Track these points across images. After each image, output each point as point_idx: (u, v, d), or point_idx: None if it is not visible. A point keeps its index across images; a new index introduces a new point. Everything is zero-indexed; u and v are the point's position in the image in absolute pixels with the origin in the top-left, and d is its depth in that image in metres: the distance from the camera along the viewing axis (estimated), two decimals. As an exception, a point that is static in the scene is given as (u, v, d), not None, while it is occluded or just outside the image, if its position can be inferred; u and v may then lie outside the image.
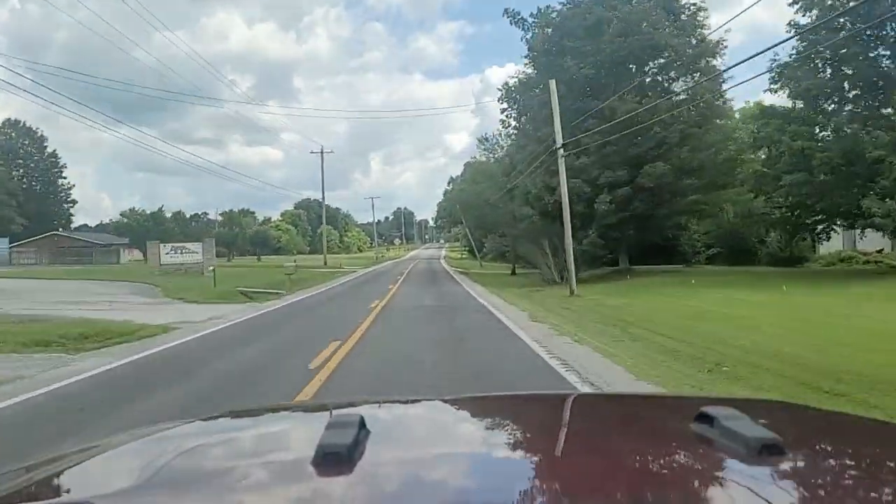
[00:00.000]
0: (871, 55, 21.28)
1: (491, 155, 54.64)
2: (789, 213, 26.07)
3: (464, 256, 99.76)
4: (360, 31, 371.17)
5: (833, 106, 22.99)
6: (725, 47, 27.94)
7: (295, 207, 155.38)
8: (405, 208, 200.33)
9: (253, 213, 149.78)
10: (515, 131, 36.55)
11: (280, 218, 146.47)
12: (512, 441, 1.18)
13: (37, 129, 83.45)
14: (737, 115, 35.98)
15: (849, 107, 22.46)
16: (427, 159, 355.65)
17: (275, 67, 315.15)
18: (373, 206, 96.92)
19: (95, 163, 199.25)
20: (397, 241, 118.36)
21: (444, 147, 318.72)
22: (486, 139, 53.67)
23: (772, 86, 23.23)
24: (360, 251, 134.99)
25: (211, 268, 28.79)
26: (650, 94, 25.30)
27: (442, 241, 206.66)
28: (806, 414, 1.40)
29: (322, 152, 55.84)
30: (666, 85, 29.10)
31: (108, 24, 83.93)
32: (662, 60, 28.61)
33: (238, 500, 0.81)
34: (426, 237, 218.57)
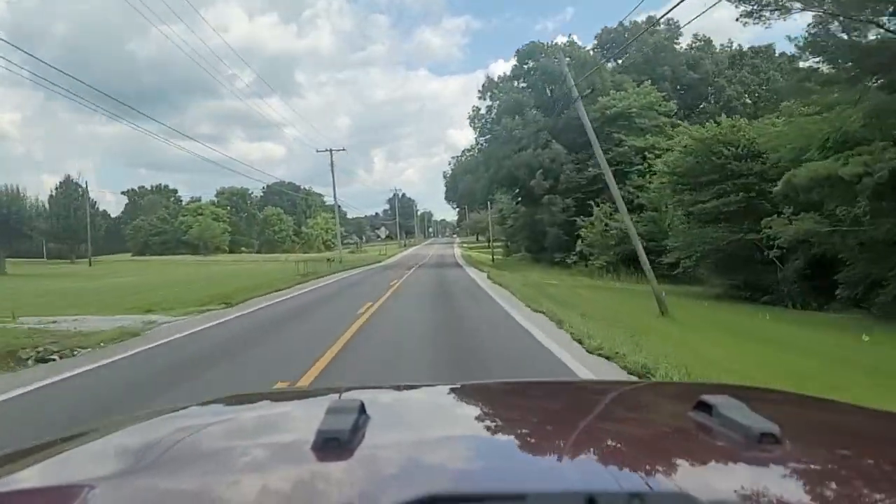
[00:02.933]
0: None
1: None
2: None
3: (498, 256, 54.84)
4: (364, 23, 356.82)
5: None
6: None
7: (263, 193, 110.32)
8: (403, 194, 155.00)
9: (175, 191, 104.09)
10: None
11: (215, 200, 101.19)
12: (511, 427, 1.16)
13: None
14: None
15: None
16: (430, 155, 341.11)
17: (276, 61, 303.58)
18: (332, 165, 52.02)
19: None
20: (383, 231, 71.88)
21: (447, 143, 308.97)
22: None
23: None
24: (328, 247, 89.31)
25: None
26: None
27: (451, 234, 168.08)
28: (804, 402, 1.40)
29: None
30: None
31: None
32: None
33: (238, 484, 0.81)
34: (429, 230, 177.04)
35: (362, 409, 0.93)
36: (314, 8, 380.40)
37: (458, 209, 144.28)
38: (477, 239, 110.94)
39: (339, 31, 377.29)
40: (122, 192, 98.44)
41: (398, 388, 1.52)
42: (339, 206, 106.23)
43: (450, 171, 43.46)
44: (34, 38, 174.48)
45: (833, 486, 0.79)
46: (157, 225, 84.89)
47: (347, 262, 47.84)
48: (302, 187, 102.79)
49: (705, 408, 0.94)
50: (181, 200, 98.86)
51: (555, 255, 34.43)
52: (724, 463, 0.84)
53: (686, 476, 0.81)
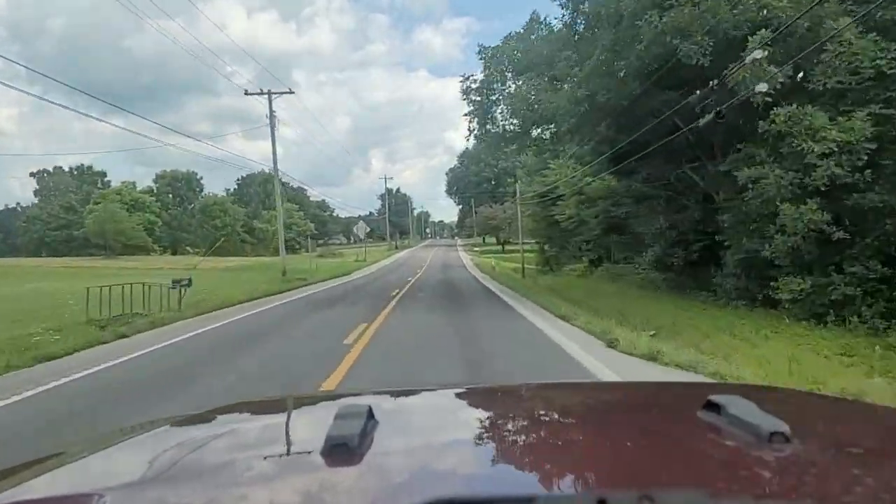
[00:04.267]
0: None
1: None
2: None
3: (529, 266, 34.08)
4: (364, 23, 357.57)
5: None
6: None
7: (238, 182, 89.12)
8: (397, 189, 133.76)
9: (102, 173, 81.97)
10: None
11: (153, 185, 79.44)
12: (519, 430, 1.15)
13: None
14: None
15: None
16: (429, 157, 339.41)
17: (274, 61, 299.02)
18: (271, 116, 33.04)
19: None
20: (362, 229, 50.76)
21: (445, 145, 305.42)
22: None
23: None
24: (291, 249, 67.86)
25: None
26: None
27: (451, 235, 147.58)
28: (813, 401, 1.34)
29: None
30: None
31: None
32: None
33: (248, 491, 0.81)
34: (426, 231, 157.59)
35: (370, 413, 0.91)
36: (314, 6, 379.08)
37: (459, 205, 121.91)
38: (484, 241, 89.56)
39: (338, 29, 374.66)
40: (31, 174, 76.27)
41: (406, 392, 1.49)
42: (327, 203, 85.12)
43: (481, 79, 20.57)
44: (33, 34, 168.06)
45: (844, 484, 0.77)
46: (58, 216, 63.22)
47: (293, 275, 27.03)
48: (280, 176, 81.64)
49: (714, 408, 0.92)
50: (109, 186, 77.36)
51: (778, 282, 12.26)
52: (734, 462, 0.82)
53: (696, 476, 0.80)
